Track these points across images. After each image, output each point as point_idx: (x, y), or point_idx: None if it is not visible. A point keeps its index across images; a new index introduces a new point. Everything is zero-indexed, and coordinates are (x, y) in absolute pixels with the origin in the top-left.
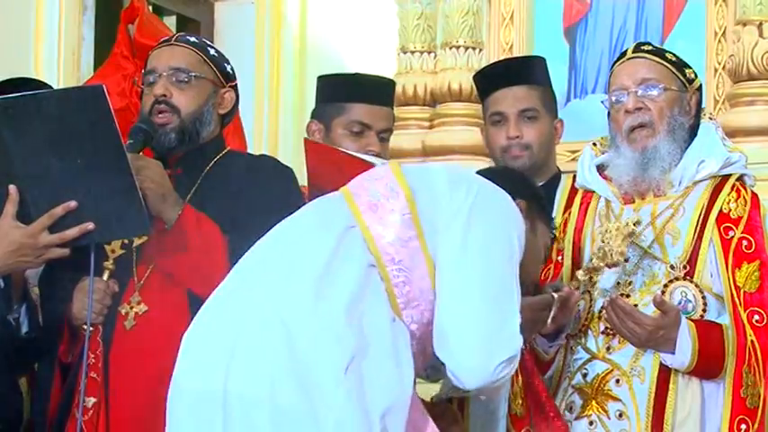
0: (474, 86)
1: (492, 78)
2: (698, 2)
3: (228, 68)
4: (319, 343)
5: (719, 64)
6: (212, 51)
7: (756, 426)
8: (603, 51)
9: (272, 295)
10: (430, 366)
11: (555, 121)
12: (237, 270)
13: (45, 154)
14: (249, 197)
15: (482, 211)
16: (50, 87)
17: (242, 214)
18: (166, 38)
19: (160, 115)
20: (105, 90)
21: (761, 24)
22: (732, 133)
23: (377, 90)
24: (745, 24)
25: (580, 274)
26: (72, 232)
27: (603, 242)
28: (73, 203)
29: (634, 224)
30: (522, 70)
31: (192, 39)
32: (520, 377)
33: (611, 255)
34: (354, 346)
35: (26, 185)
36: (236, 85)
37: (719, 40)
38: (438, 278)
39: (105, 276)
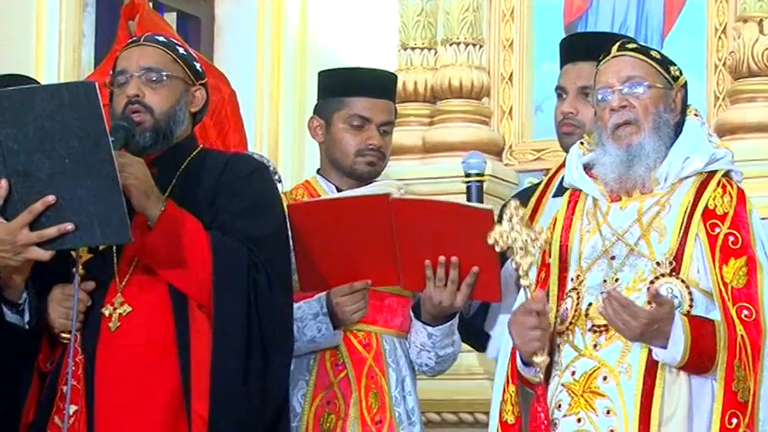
0: (473, 83)
1: (565, 51)
2: None
3: (198, 66)
4: None
5: (720, 60)
6: (181, 50)
7: (747, 420)
8: None
9: None
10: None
11: None
12: None
13: (34, 151)
14: (227, 195)
15: None
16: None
17: (221, 212)
18: (135, 38)
19: (134, 115)
20: (97, 86)
21: (761, 21)
22: (732, 130)
23: (376, 83)
24: (745, 21)
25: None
26: (50, 231)
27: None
28: (51, 198)
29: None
30: (593, 46)
31: (161, 38)
32: (511, 384)
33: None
34: None
35: (14, 181)
36: (206, 82)
37: (720, 37)
38: None
39: (77, 282)
